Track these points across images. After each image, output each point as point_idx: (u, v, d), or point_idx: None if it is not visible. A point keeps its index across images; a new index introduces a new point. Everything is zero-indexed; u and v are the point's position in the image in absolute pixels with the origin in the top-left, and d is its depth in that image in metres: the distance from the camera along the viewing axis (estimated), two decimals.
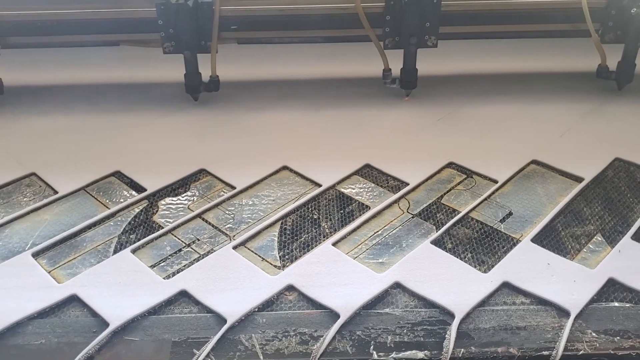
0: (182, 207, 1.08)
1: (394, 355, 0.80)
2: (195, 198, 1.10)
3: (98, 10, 1.35)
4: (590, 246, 0.98)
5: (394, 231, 1.02)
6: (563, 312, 0.85)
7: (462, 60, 1.60)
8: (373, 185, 1.13)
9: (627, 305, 0.87)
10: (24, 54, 1.54)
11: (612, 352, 0.80)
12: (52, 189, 1.13)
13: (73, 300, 0.89)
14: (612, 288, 0.90)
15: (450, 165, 1.18)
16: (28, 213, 1.07)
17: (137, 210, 1.07)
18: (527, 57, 1.62)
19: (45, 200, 1.09)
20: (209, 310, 0.86)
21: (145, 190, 1.12)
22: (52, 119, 1.37)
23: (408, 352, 0.80)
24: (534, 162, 1.19)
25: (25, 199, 1.10)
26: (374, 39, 1.35)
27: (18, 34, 1.38)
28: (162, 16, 1.31)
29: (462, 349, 0.80)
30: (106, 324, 0.84)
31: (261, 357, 0.80)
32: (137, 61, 1.58)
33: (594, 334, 0.82)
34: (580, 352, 0.80)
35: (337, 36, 1.43)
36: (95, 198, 1.10)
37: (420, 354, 0.80)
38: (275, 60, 1.62)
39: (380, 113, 1.38)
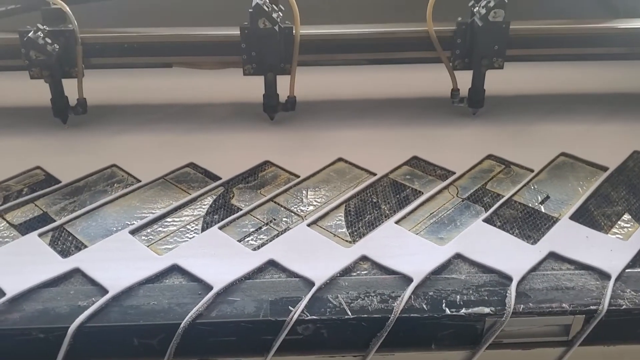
0: (254, 193, 1.20)
1: (464, 310, 0.92)
2: (265, 186, 1.23)
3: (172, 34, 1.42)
4: (621, 223, 1.11)
5: (448, 212, 1.15)
6: (604, 275, 0.98)
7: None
8: (422, 174, 1.27)
9: None
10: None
11: None
12: (135, 178, 1.25)
13: (174, 269, 1.00)
14: None
15: (489, 157, 1.32)
16: (117, 198, 1.19)
17: (215, 195, 1.20)
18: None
19: (130, 188, 1.21)
20: (297, 276, 0.99)
21: (220, 178, 1.24)
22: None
23: (476, 308, 0.93)
24: (563, 154, 1.33)
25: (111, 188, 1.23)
26: (445, 60, 1.43)
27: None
28: (245, 40, 1.36)
29: (522, 305, 0.93)
30: (210, 287, 0.95)
31: (349, 313, 0.92)
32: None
33: (633, 292, 0.95)
34: (623, 307, 0.93)
35: (403, 58, 1.48)
36: (175, 185, 1.23)
37: (487, 310, 0.92)
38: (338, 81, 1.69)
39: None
